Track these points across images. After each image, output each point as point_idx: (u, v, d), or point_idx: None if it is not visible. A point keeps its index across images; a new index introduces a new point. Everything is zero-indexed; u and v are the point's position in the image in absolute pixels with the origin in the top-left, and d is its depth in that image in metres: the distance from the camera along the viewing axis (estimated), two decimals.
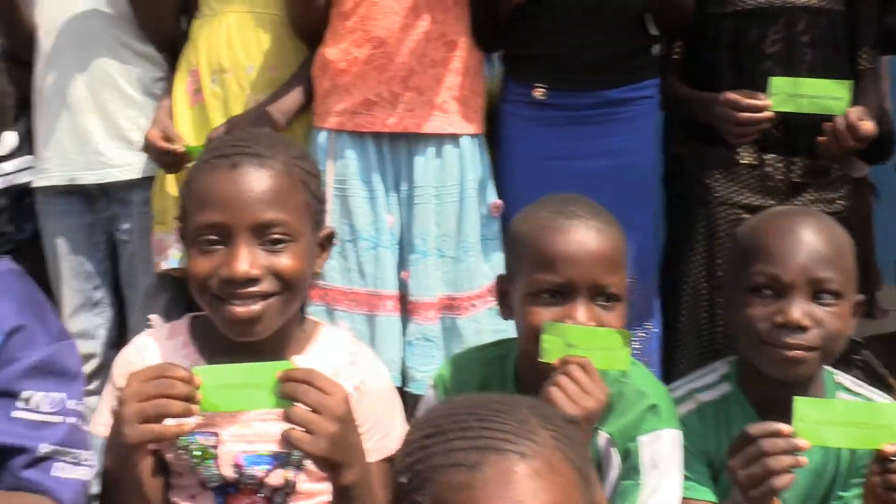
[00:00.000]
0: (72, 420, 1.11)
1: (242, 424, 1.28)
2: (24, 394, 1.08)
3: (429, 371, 1.80)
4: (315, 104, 1.94)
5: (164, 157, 1.95)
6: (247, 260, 1.21)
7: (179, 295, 2.11)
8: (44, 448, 1.08)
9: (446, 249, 1.88)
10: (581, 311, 1.33)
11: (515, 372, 1.51)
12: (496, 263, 1.93)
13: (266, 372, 1.12)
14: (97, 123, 2.04)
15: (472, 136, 1.92)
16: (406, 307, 1.89)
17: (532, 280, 1.37)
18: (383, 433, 1.33)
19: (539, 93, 1.91)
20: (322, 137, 1.91)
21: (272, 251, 1.23)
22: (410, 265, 1.88)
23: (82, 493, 1.12)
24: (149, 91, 2.09)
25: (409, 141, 1.88)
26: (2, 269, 1.18)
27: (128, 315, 2.15)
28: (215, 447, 1.27)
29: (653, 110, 1.98)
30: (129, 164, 2.06)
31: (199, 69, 2.02)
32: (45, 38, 2.05)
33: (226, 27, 1.98)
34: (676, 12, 1.90)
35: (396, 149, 1.89)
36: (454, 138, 1.89)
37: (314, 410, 1.08)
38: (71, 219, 2.09)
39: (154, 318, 1.38)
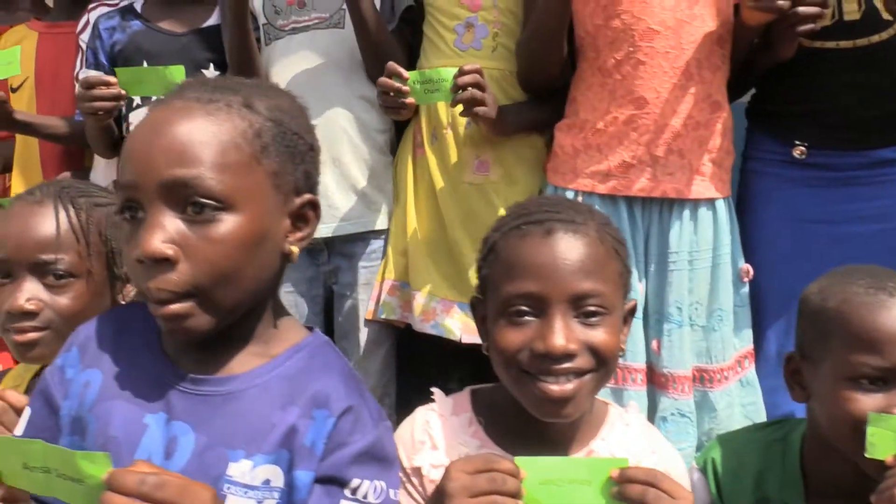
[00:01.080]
0: None
1: None
2: (353, 482, 1.00)
3: (684, 449, 1.67)
4: (555, 161, 1.86)
5: (390, 98, 1.84)
6: (563, 333, 1.12)
7: (396, 348, 2.08)
8: None
9: (696, 318, 1.76)
10: None
11: (801, 457, 1.38)
12: (745, 332, 1.81)
13: (597, 468, 1.03)
14: (331, 177, 2.03)
15: (725, 198, 1.81)
16: (654, 379, 1.77)
17: (850, 363, 1.24)
18: None
19: (799, 151, 1.79)
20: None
21: (587, 324, 1.15)
22: (664, 335, 1.75)
23: None
24: (373, 142, 2.08)
25: (663, 204, 1.77)
26: (319, 343, 1.10)
27: None
28: None
29: None
30: (359, 217, 2.04)
31: (422, 124, 2.01)
32: None
33: None
34: None
35: (649, 212, 1.78)
36: (710, 202, 1.77)
37: None
38: (294, 272, 2.07)
39: (436, 391, 1.30)
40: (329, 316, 2.14)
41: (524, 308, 1.15)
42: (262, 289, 1.04)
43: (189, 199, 0.95)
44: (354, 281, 2.06)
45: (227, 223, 0.96)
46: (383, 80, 1.82)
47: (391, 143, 2.14)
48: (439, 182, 1.98)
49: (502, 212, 1.87)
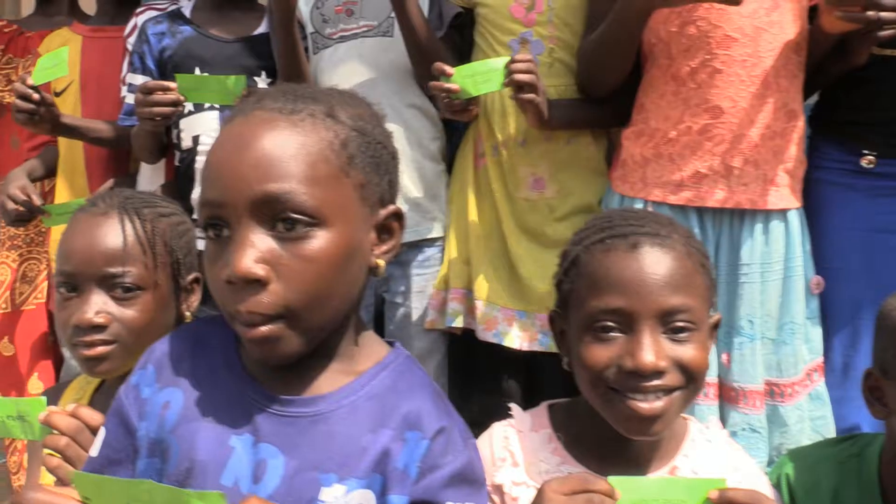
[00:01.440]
0: None
1: None
2: None
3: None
4: (623, 170, 1.81)
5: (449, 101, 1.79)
6: (653, 350, 1.10)
7: (449, 357, 2.05)
8: None
9: (766, 331, 1.72)
10: None
11: (879, 474, 1.35)
12: (815, 345, 1.77)
13: (695, 488, 1.00)
14: None
15: (798, 208, 1.76)
16: (723, 394, 1.72)
17: None
18: None
19: (867, 161, 1.75)
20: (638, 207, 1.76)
21: (676, 340, 1.12)
22: (734, 349, 1.71)
23: None
24: (425, 150, 2.04)
25: (734, 216, 1.73)
26: (402, 359, 1.05)
27: None
28: None
29: None
30: (413, 226, 1.99)
31: (482, 137, 1.98)
32: None
33: (500, 98, 1.91)
34: None
35: (719, 224, 1.74)
36: (782, 213, 1.72)
37: None
38: None
39: (514, 407, 1.27)
40: (379, 323, 2.12)
41: (610, 324, 1.12)
42: (350, 306, 1.01)
43: (280, 216, 0.92)
44: (408, 289, 2.03)
45: (319, 239, 0.93)
46: (433, 83, 1.79)
47: (443, 151, 2.11)
48: (499, 194, 1.95)
49: (556, 225, 1.87)
